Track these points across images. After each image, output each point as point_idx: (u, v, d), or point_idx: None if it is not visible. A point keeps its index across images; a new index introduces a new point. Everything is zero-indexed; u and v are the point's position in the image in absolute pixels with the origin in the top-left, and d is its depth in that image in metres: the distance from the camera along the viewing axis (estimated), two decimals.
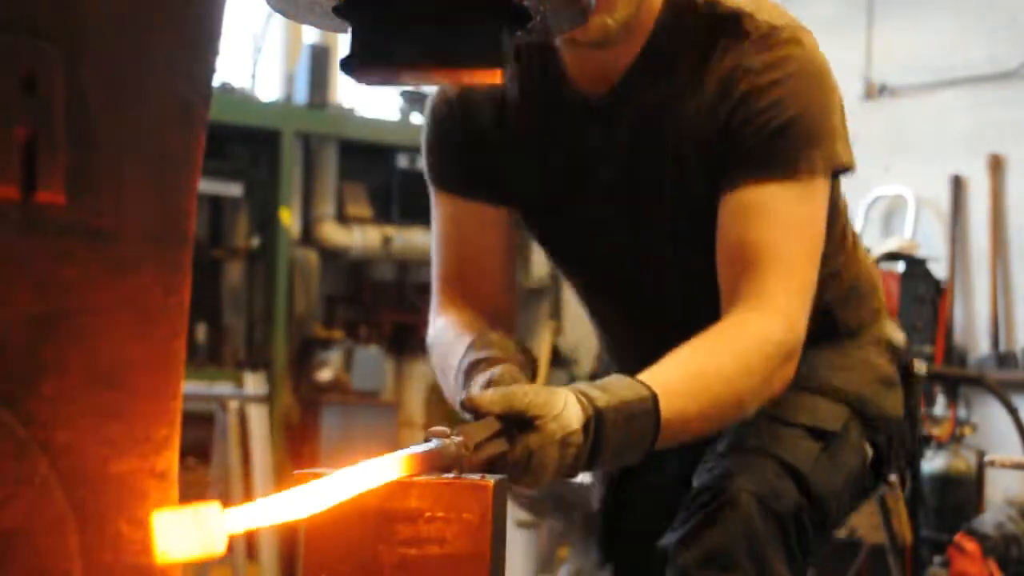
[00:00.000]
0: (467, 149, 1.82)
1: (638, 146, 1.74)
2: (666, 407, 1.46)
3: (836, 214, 1.78)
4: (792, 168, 1.63)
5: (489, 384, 1.52)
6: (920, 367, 1.94)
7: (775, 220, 1.62)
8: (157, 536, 0.84)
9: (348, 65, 1.09)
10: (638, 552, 1.89)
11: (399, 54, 1.06)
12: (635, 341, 1.94)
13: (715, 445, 1.67)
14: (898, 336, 1.94)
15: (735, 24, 1.67)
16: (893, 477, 2.40)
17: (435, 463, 1.17)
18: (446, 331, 1.74)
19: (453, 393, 1.65)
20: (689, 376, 1.52)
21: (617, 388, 1.44)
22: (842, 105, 1.72)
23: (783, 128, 1.63)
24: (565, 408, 1.35)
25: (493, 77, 1.06)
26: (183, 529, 0.84)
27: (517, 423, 1.32)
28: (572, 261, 1.93)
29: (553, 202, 1.84)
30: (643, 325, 1.91)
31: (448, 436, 1.21)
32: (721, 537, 1.57)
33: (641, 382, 1.47)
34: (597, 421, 1.38)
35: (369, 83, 1.12)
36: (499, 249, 1.85)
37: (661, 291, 1.85)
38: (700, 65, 1.68)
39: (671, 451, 1.63)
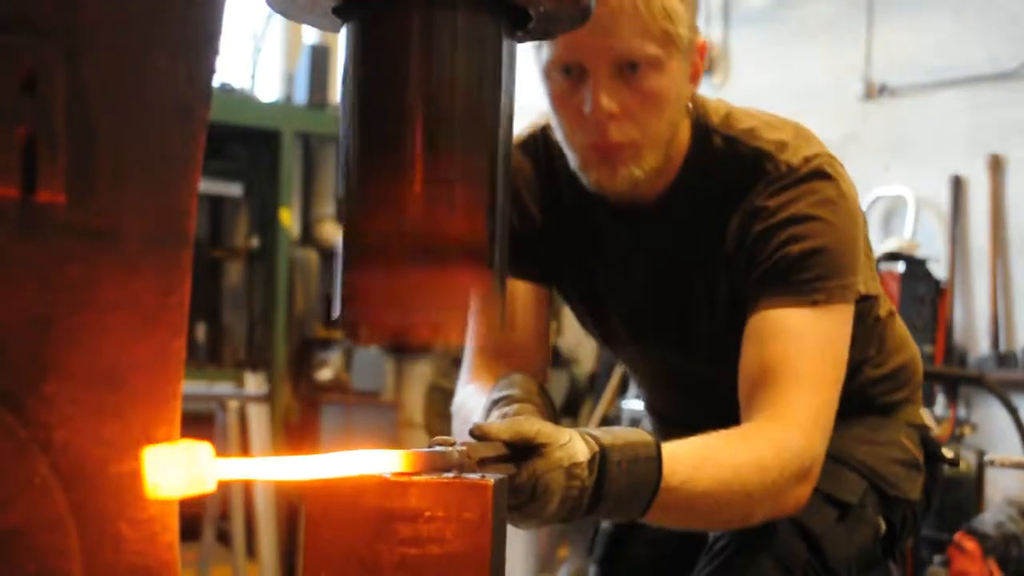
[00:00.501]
0: (515, 229, 1.85)
1: (667, 264, 1.80)
2: (671, 473, 1.45)
3: (868, 306, 1.80)
4: (807, 297, 1.65)
5: (503, 418, 1.54)
6: (948, 452, 1.96)
7: (793, 340, 1.63)
8: (148, 470, 0.85)
9: (349, 331, 1.11)
10: None
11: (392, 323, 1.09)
12: (668, 415, 2.02)
13: None
14: (930, 422, 1.97)
15: (755, 164, 1.71)
16: None
17: (436, 466, 1.17)
18: (473, 397, 1.75)
19: None
20: (700, 458, 1.50)
21: (621, 432, 1.43)
22: (865, 233, 1.75)
23: (797, 261, 1.66)
24: (571, 441, 1.34)
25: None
26: (174, 465, 0.86)
27: (524, 451, 1.31)
28: (605, 342, 2.00)
29: (588, 293, 1.90)
30: (673, 405, 2.00)
31: (452, 445, 1.21)
32: None
33: (646, 431, 1.47)
34: (602, 459, 1.36)
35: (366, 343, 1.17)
36: (537, 321, 1.88)
37: (683, 385, 1.92)
38: (723, 203, 1.72)
39: None
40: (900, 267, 5.04)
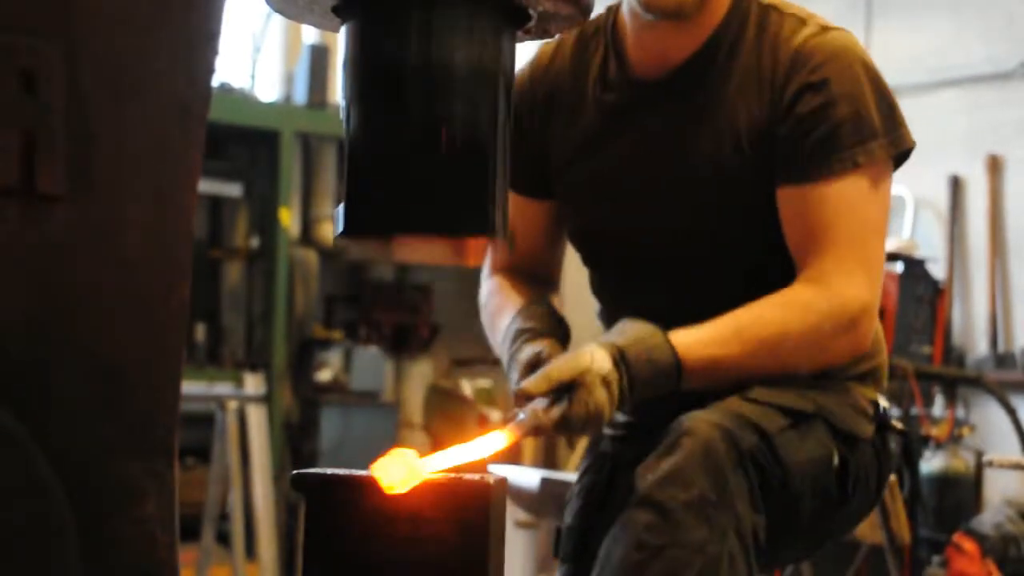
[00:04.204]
0: (520, 135, 1.88)
1: (689, 128, 1.83)
2: (686, 352, 1.68)
3: None
4: (850, 164, 1.77)
5: (532, 366, 1.72)
6: (897, 424, 1.94)
7: (833, 206, 1.77)
8: (378, 473, 1.17)
9: (349, 229, 1.12)
10: None
11: (395, 225, 1.13)
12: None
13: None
14: (883, 401, 1.93)
15: (788, 26, 1.83)
16: (892, 477, 2.39)
17: (527, 429, 1.56)
18: (498, 292, 1.98)
19: (498, 348, 1.91)
20: (724, 337, 1.71)
21: (629, 329, 1.69)
22: (890, 89, 1.84)
23: (835, 129, 1.76)
24: (593, 360, 1.61)
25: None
26: (396, 466, 1.18)
27: (565, 389, 1.60)
28: (604, 242, 1.97)
29: (597, 177, 1.91)
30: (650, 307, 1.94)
31: (523, 411, 1.58)
32: (681, 459, 1.60)
33: (647, 322, 1.70)
34: (623, 357, 1.64)
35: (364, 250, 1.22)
36: (548, 229, 2.03)
37: (695, 277, 1.88)
38: (757, 57, 1.82)
39: None
40: (899, 267, 5.04)
